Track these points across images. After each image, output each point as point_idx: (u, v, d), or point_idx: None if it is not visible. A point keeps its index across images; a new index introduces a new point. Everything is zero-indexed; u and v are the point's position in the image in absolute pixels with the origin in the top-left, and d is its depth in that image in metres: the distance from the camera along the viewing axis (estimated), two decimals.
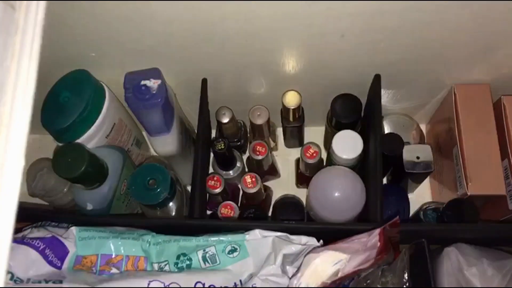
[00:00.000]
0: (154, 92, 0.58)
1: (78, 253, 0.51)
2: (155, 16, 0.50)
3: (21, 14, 0.29)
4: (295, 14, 0.50)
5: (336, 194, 0.58)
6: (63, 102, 0.56)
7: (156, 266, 0.52)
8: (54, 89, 0.58)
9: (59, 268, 0.50)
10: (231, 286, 0.50)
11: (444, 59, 0.60)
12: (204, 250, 0.52)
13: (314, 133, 0.77)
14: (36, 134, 0.73)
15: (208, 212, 0.70)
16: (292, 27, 0.52)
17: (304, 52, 0.58)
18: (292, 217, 0.63)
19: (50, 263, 0.49)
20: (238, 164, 0.70)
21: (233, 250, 0.52)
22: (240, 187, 0.66)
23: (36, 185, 0.61)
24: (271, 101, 0.67)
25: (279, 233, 0.52)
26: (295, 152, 0.76)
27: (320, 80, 0.65)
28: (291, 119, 0.68)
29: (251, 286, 0.49)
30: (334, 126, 0.66)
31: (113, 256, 0.52)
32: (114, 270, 0.51)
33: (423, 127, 0.77)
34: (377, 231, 0.47)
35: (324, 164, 0.69)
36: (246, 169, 0.72)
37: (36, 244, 0.49)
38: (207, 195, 0.65)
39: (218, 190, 0.64)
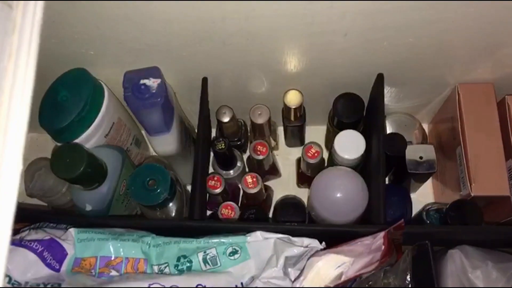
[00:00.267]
0: (154, 91, 0.57)
1: (77, 255, 0.51)
2: (154, 14, 0.49)
3: (19, 13, 0.28)
4: (297, 13, 0.49)
5: (338, 195, 0.57)
6: (61, 101, 0.56)
7: (156, 268, 0.51)
8: (52, 88, 0.57)
9: (58, 270, 0.49)
10: None
11: (447, 58, 0.59)
12: (204, 252, 0.51)
13: (315, 132, 0.76)
14: (34, 133, 0.72)
15: (208, 212, 0.69)
16: (294, 26, 0.51)
17: (306, 51, 0.58)
18: (293, 218, 0.63)
19: (49, 265, 0.49)
20: (239, 164, 0.69)
21: (234, 252, 0.51)
22: (240, 187, 0.65)
23: (34, 185, 0.61)
24: (272, 100, 0.66)
25: (280, 235, 0.51)
26: (296, 152, 0.76)
27: (322, 79, 0.64)
28: (292, 118, 0.67)
29: None
30: (336, 125, 0.65)
31: (113, 258, 0.51)
32: (113, 273, 0.50)
33: (425, 126, 0.77)
34: (382, 234, 0.47)
35: (326, 164, 0.69)
36: (247, 169, 0.72)
37: (34, 246, 0.48)
38: (207, 195, 0.65)
39: (218, 190, 0.63)
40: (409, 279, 0.50)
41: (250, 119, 0.66)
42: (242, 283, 0.50)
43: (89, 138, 0.58)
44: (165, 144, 0.64)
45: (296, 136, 0.74)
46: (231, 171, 0.69)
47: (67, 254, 0.50)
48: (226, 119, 0.65)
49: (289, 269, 0.49)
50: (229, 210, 0.63)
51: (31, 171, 0.61)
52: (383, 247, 0.46)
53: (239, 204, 0.70)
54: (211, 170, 0.70)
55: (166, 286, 0.48)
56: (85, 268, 0.50)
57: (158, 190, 0.55)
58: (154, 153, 0.72)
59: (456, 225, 0.57)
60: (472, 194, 0.58)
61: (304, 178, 0.71)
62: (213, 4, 0.47)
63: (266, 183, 0.75)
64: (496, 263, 0.52)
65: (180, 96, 0.66)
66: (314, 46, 0.56)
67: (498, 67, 0.61)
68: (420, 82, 0.65)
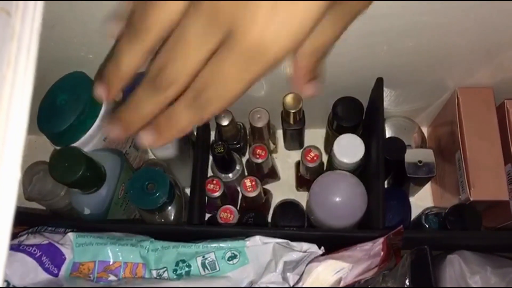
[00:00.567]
0: None
1: (75, 259, 0.50)
2: None
3: (17, 20, 0.28)
4: None
5: (337, 199, 0.57)
6: (60, 104, 0.56)
7: (154, 273, 0.51)
8: (51, 91, 0.57)
9: (56, 275, 0.49)
10: None
11: (447, 62, 0.59)
12: (203, 257, 0.51)
13: (314, 136, 0.76)
14: (32, 135, 0.72)
15: (207, 215, 0.69)
16: None
17: None
18: (292, 222, 0.62)
19: (47, 270, 0.48)
20: (238, 167, 0.69)
21: (233, 257, 0.51)
22: (239, 190, 0.65)
23: (32, 188, 0.60)
24: (272, 103, 0.66)
25: (279, 240, 0.51)
26: (295, 155, 0.76)
27: (321, 83, 0.64)
28: (291, 121, 0.67)
29: None
30: (335, 129, 0.65)
31: (111, 262, 0.51)
32: (112, 277, 0.50)
33: (424, 129, 0.77)
34: (381, 240, 0.47)
35: (325, 167, 0.69)
36: (246, 172, 0.72)
37: (32, 251, 0.48)
38: (206, 198, 0.65)
39: (217, 194, 0.63)
40: (407, 284, 0.50)
41: (249, 122, 0.66)
42: None
43: (88, 142, 0.58)
44: (164, 147, 0.63)
45: (295, 139, 0.74)
46: (230, 175, 0.69)
47: (65, 258, 0.50)
48: (225, 122, 0.64)
49: (288, 274, 0.49)
50: (228, 214, 0.63)
51: (30, 175, 0.61)
52: (381, 253, 0.46)
53: (238, 207, 0.70)
54: (210, 173, 0.70)
55: None
56: (84, 272, 0.50)
57: (157, 194, 0.55)
58: (153, 157, 0.71)
59: (455, 229, 0.57)
60: (471, 199, 0.58)
61: (303, 181, 0.71)
62: None
63: (265, 186, 0.75)
64: (495, 269, 0.52)
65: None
66: None
67: (498, 71, 0.61)
68: (419, 86, 0.65)
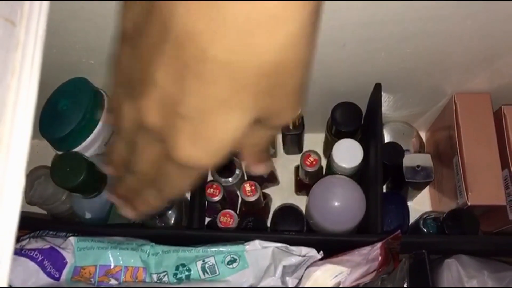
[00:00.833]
0: None
1: (76, 263, 0.51)
2: None
3: (22, 30, 0.28)
4: None
5: (336, 204, 0.58)
6: (62, 110, 0.56)
7: (155, 277, 0.51)
8: (53, 96, 0.57)
9: (58, 279, 0.50)
10: None
11: (445, 68, 0.60)
12: (203, 261, 0.51)
13: (313, 140, 0.76)
14: (34, 140, 0.72)
15: (207, 220, 0.69)
16: None
17: None
18: (291, 226, 0.63)
19: (49, 274, 0.49)
20: (237, 172, 0.69)
21: (232, 261, 0.51)
22: (239, 194, 0.66)
23: (34, 193, 0.61)
24: None
25: (279, 244, 0.52)
26: (295, 159, 0.76)
27: (320, 88, 0.64)
28: (290, 126, 0.68)
29: None
30: (334, 134, 0.66)
31: (112, 266, 0.51)
32: (112, 281, 0.50)
33: (422, 134, 0.77)
34: (379, 244, 0.47)
35: (324, 172, 0.69)
36: (245, 177, 0.72)
37: (34, 255, 0.49)
38: (206, 202, 0.65)
39: (217, 198, 0.64)
40: (405, 287, 0.50)
41: None
42: None
43: (89, 147, 0.58)
44: None
45: (294, 144, 0.74)
46: (230, 179, 0.69)
47: (67, 262, 0.51)
48: None
49: (287, 278, 0.50)
50: (228, 218, 0.63)
51: (31, 179, 0.61)
52: (380, 257, 0.47)
53: (238, 212, 0.71)
54: (210, 177, 0.70)
55: None
56: (85, 276, 0.51)
57: None
58: None
59: (453, 234, 0.57)
60: (469, 203, 0.59)
61: (302, 186, 0.71)
62: None
63: (265, 190, 0.75)
64: (492, 273, 0.52)
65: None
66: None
67: (495, 77, 0.61)
68: (417, 91, 0.66)
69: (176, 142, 0.24)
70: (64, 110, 0.56)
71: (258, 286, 0.50)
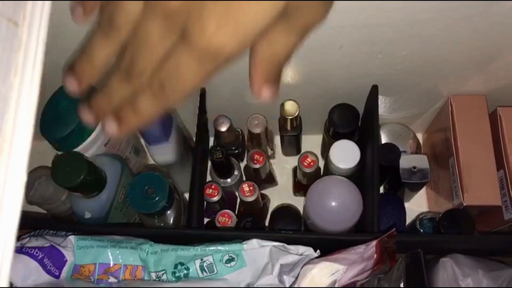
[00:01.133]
0: None
1: (76, 262, 0.52)
2: None
3: (24, 31, 0.29)
4: None
5: (333, 204, 0.58)
6: (62, 110, 0.57)
7: (154, 275, 0.52)
8: (53, 97, 0.58)
9: (57, 277, 0.50)
10: None
11: (440, 70, 0.60)
12: (201, 260, 0.52)
13: (311, 141, 0.77)
14: (34, 140, 0.73)
15: (206, 220, 0.70)
16: None
17: (302, 63, 0.59)
18: (289, 226, 0.63)
19: (49, 272, 0.50)
20: (236, 173, 0.70)
21: (230, 260, 0.52)
22: (237, 195, 0.66)
23: (34, 193, 0.61)
24: (269, 109, 0.67)
25: (276, 243, 0.52)
26: (293, 160, 0.77)
27: (318, 90, 0.65)
28: (288, 128, 0.68)
29: None
30: (331, 135, 0.66)
31: (111, 265, 0.52)
32: (112, 279, 0.51)
33: (419, 136, 0.78)
34: (374, 242, 0.48)
35: (321, 173, 0.70)
36: (244, 177, 0.73)
37: (35, 253, 0.49)
38: (205, 203, 0.66)
39: (215, 199, 0.64)
40: (402, 287, 0.51)
41: (248, 128, 0.67)
42: None
43: (89, 147, 0.59)
44: (163, 153, 0.65)
45: (292, 145, 0.75)
46: (229, 180, 0.70)
47: (66, 261, 0.51)
48: (223, 128, 0.66)
49: (284, 277, 0.50)
50: (226, 218, 0.64)
51: (32, 179, 0.62)
52: (375, 255, 0.48)
53: (236, 212, 0.71)
54: (208, 178, 0.71)
55: None
56: (84, 274, 0.51)
57: (157, 199, 0.56)
58: (152, 162, 0.73)
59: (449, 234, 0.58)
60: (464, 204, 0.59)
61: (300, 186, 0.72)
62: None
63: (263, 191, 0.76)
64: (486, 272, 0.53)
65: (178, 105, 0.67)
66: (310, 58, 0.57)
67: (490, 79, 0.62)
68: (414, 93, 0.67)
69: (203, 26, 0.23)
70: (64, 110, 0.57)
71: (256, 285, 0.51)
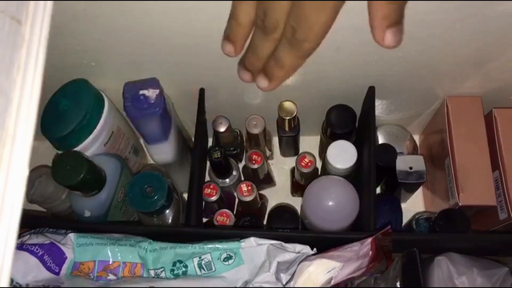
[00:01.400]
0: (153, 101, 0.59)
1: (76, 259, 0.52)
2: (154, 28, 0.51)
3: (27, 29, 0.30)
4: None
5: (330, 204, 0.59)
6: (62, 110, 0.57)
7: (152, 272, 0.52)
8: (54, 97, 0.59)
9: (57, 274, 0.51)
10: None
11: (436, 72, 0.61)
12: (200, 257, 0.53)
13: (309, 142, 0.78)
14: (35, 140, 0.74)
15: (204, 220, 0.70)
16: None
17: None
18: (286, 226, 0.64)
19: (49, 269, 0.50)
20: (234, 173, 0.71)
21: (228, 258, 0.53)
22: (236, 195, 0.67)
23: (34, 192, 0.62)
24: (268, 110, 0.68)
25: (273, 241, 0.53)
26: (291, 161, 0.77)
27: (316, 91, 0.66)
28: (286, 128, 0.69)
29: None
30: (329, 136, 0.67)
31: (110, 262, 0.52)
32: (111, 277, 0.52)
33: (416, 137, 0.79)
34: (369, 240, 0.48)
35: (319, 173, 0.70)
36: (242, 178, 0.73)
37: (35, 250, 0.50)
38: (203, 202, 0.66)
39: (214, 198, 0.65)
40: (398, 286, 0.52)
41: (246, 129, 0.67)
42: None
43: (89, 146, 0.60)
44: (162, 152, 0.65)
45: (290, 146, 0.75)
46: (227, 180, 0.70)
47: (66, 258, 0.52)
48: (222, 129, 0.66)
49: (281, 274, 0.51)
50: (225, 218, 0.64)
51: (32, 178, 0.63)
52: (370, 252, 0.48)
53: (234, 212, 0.72)
54: (207, 178, 0.72)
55: None
56: (84, 271, 0.52)
57: (155, 198, 0.57)
58: (152, 161, 0.73)
59: (444, 233, 0.59)
60: (460, 204, 0.60)
61: (298, 187, 0.72)
62: (211, 18, 0.49)
63: (261, 191, 0.76)
64: (481, 270, 0.54)
65: (177, 106, 0.68)
66: (308, 59, 0.58)
67: (486, 81, 0.63)
68: (410, 94, 0.67)
69: None
70: (64, 110, 0.57)
71: (253, 283, 0.51)
